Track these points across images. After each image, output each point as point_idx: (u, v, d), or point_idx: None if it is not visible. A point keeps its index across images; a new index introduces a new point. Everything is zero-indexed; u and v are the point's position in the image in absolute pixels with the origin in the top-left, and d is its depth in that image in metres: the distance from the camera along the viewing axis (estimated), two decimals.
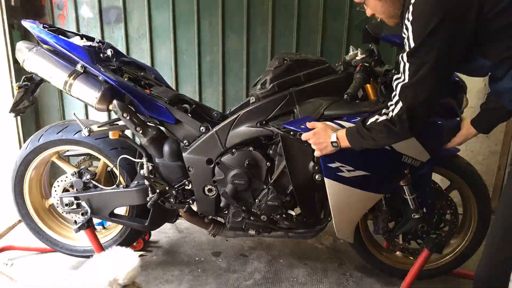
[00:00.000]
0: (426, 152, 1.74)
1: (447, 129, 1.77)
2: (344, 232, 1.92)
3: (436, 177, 1.96)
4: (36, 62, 1.89)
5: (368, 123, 1.55)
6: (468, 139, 1.78)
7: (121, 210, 2.17)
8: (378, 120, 1.52)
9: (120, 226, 2.20)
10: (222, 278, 2.21)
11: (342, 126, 1.69)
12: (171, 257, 2.40)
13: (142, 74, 2.09)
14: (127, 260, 1.42)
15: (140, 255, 2.40)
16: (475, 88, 2.91)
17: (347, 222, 1.90)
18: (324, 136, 1.65)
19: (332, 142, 1.63)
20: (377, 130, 1.52)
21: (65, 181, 2.12)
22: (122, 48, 2.85)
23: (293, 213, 1.96)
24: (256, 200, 1.94)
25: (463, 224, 2.09)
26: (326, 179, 1.77)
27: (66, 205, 2.09)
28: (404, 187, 1.88)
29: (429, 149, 1.74)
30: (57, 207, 2.16)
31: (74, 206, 2.09)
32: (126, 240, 2.21)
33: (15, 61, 2.33)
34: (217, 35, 2.83)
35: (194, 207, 2.05)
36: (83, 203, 2.07)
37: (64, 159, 2.26)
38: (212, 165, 1.92)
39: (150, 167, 1.96)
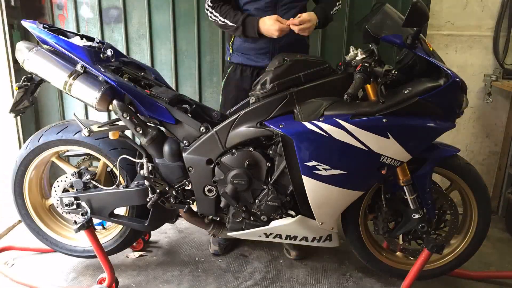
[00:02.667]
0: (407, 153, 1.74)
1: (431, 130, 1.73)
2: (327, 224, 1.93)
3: (436, 177, 1.96)
4: (36, 62, 1.88)
5: None
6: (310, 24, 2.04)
7: (121, 210, 2.17)
8: None
9: (120, 226, 2.20)
10: (222, 278, 2.21)
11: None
12: (171, 257, 2.40)
13: (142, 74, 2.08)
14: None
15: (140, 255, 2.41)
16: (475, 88, 2.91)
17: (329, 215, 1.90)
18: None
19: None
20: None
21: (65, 181, 2.12)
22: (122, 48, 2.85)
23: (293, 213, 1.96)
24: (256, 201, 1.94)
25: (463, 224, 2.09)
26: (303, 177, 1.78)
27: (66, 205, 2.09)
28: (404, 187, 1.88)
29: (409, 150, 1.73)
30: (57, 207, 2.16)
31: (74, 206, 2.09)
32: (126, 241, 2.21)
33: (15, 61, 2.32)
34: (217, 35, 2.83)
35: (194, 207, 2.05)
36: (83, 203, 2.07)
37: (64, 159, 2.26)
38: (212, 165, 1.92)
39: (150, 167, 1.96)
